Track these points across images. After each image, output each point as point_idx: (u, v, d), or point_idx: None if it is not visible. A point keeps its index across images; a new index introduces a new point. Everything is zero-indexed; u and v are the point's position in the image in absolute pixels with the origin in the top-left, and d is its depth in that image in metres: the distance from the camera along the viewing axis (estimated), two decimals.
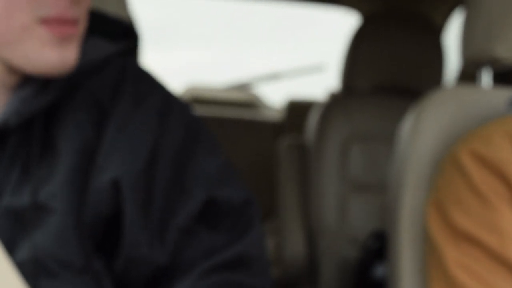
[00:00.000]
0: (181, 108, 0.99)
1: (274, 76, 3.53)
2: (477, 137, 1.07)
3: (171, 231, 0.93)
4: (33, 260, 0.90)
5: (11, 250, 0.90)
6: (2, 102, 0.96)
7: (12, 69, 0.93)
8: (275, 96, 3.42)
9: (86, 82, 0.96)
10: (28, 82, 0.94)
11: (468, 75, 2.27)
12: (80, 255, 0.91)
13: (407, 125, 1.24)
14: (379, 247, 1.95)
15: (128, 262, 0.93)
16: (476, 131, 1.09)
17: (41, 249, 0.90)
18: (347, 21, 2.64)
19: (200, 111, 3.07)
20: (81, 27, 0.94)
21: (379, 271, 1.95)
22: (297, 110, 3.01)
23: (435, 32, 2.25)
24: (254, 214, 0.98)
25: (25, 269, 0.90)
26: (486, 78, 1.29)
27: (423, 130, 1.21)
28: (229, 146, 1.03)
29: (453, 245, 1.04)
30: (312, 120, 2.23)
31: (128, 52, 1.02)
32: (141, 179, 0.93)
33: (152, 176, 0.94)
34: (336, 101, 2.21)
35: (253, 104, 3.34)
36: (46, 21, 0.90)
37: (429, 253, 1.09)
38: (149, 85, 0.99)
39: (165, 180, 0.94)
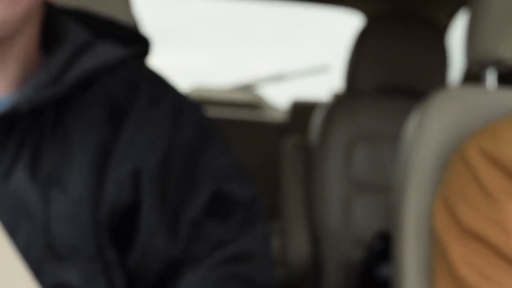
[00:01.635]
0: (192, 108, 1.03)
1: (278, 77, 3.53)
2: (486, 134, 1.07)
3: (183, 223, 0.96)
4: (45, 244, 0.92)
5: (17, 232, 0.92)
6: (10, 89, 0.98)
7: None
8: (279, 97, 3.43)
9: (102, 81, 1.00)
10: (42, 72, 0.97)
11: (472, 75, 2.26)
12: (91, 243, 0.94)
13: (411, 126, 1.24)
14: (383, 248, 1.95)
15: (143, 253, 0.95)
16: (485, 128, 1.09)
17: (54, 234, 0.92)
18: (351, 22, 2.64)
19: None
20: None
21: (383, 272, 1.95)
22: (301, 111, 3.01)
23: (439, 33, 2.25)
24: (261, 210, 1.00)
25: (35, 252, 0.92)
26: (490, 78, 1.29)
27: (427, 131, 1.20)
28: (233, 147, 1.04)
29: (458, 242, 1.04)
30: (316, 121, 2.23)
31: (140, 56, 1.05)
32: (158, 172, 0.96)
33: (166, 170, 0.97)
34: (340, 102, 2.21)
35: (257, 105, 3.35)
36: None
37: (435, 249, 1.08)
38: (163, 87, 1.03)
39: (178, 175, 0.97)
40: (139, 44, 1.05)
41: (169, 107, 1.00)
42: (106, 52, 1.00)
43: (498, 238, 1.00)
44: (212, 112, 3.10)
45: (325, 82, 3.40)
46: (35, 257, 0.91)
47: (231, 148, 1.03)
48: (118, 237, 0.96)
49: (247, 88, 3.49)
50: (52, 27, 1.03)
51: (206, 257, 0.96)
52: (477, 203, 1.03)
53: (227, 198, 0.98)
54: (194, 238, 0.96)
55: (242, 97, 3.41)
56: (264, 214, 1.01)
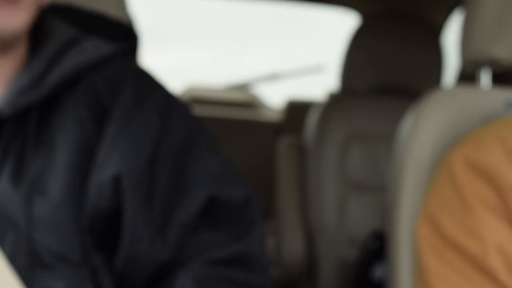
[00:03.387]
0: (182, 108, 1.00)
1: (273, 77, 3.53)
2: (469, 142, 1.07)
3: (173, 227, 0.94)
4: (29, 252, 0.90)
5: (2, 240, 0.91)
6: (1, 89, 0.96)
7: None
8: (274, 97, 3.42)
9: (87, 79, 0.97)
10: (25, 73, 0.95)
11: (467, 75, 2.27)
12: (76, 249, 0.92)
13: (406, 126, 1.24)
14: (378, 247, 1.95)
15: (129, 258, 0.93)
16: (469, 135, 1.09)
17: (37, 241, 0.91)
18: (346, 22, 2.64)
19: (199, 111, 3.06)
20: None
21: (378, 271, 1.95)
22: (296, 110, 3.01)
23: (434, 33, 2.25)
24: (255, 212, 0.98)
25: (21, 260, 0.91)
26: (485, 78, 1.29)
27: (422, 131, 1.21)
28: (228, 147, 1.03)
29: (435, 255, 1.03)
30: (311, 121, 2.23)
31: (127, 52, 1.03)
32: (142, 175, 0.94)
33: (153, 173, 0.94)
34: (335, 102, 2.21)
35: (252, 104, 3.34)
36: None
37: (416, 267, 1.09)
38: (151, 85, 1.00)
39: (167, 178, 0.95)
40: (129, 40, 1.03)
41: (157, 106, 0.97)
42: (92, 49, 0.98)
43: (474, 248, 1.00)
44: (207, 112, 3.12)
45: (320, 81, 3.41)
46: (21, 265, 0.90)
47: (221, 149, 1.00)
48: (104, 241, 0.94)
49: (242, 87, 3.49)
50: (39, 26, 1.01)
51: (199, 260, 0.94)
52: (456, 212, 1.03)
53: (220, 202, 0.96)
54: (186, 242, 0.94)
55: (237, 96, 3.40)
56: (259, 215, 0.99)
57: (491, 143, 1.04)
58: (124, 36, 1.03)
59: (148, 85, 1.00)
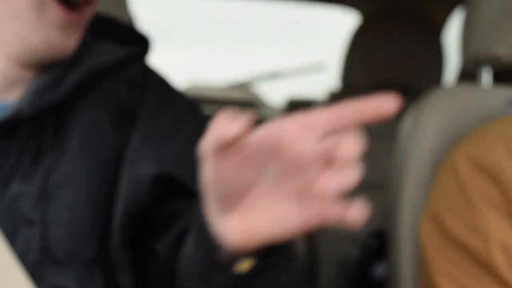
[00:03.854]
0: (200, 110, 1.03)
1: (274, 75, 3.52)
2: (472, 140, 1.07)
3: None
4: (42, 249, 0.91)
5: (15, 237, 0.91)
6: (16, 95, 0.98)
7: (25, 64, 0.96)
8: (275, 95, 3.42)
9: (107, 82, 0.99)
10: (43, 75, 0.96)
11: (468, 74, 2.26)
12: (90, 247, 0.93)
13: (407, 124, 1.24)
14: (379, 246, 1.95)
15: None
16: (471, 133, 1.09)
17: (50, 239, 0.92)
18: (347, 20, 2.64)
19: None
20: (87, 15, 0.96)
21: (379, 270, 1.95)
22: (297, 109, 3.01)
23: (435, 31, 2.25)
24: None
25: (32, 257, 0.91)
26: (486, 77, 1.29)
27: (423, 129, 1.20)
28: None
29: (438, 252, 1.04)
30: None
31: (139, 55, 1.04)
32: (189, 164, 0.94)
33: (194, 161, 0.95)
34: (336, 100, 2.21)
35: (253, 103, 3.34)
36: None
37: (418, 264, 1.09)
38: (171, 89, 1.03)
39: (190, 172, 0.95)
40: (139, 43, 1.04)
41: (183, 105, 1.00)
42: (107, 53, 1.00)
43: (478, 245, 1.00)
44: (208, 110, 3.11)
45: (320, 80, 3.41)
46: (32, 261, 0.91)
47: None
48: (134, 238, 0.94)
49: (243, 86, 3.49)
50: None
51: None
52: (460, 210, 1.03)
53: None
54: None
55: (237, 95, 3.40)
56: None
57: (493, 141, 1.04)
58: (135, 39, 1.04)
59: (169, 89, 1.02)
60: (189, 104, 1.01)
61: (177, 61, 4.23)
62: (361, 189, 2.22)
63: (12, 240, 0.91)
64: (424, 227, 1.07)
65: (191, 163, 0.94)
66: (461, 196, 1.03)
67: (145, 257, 0.96)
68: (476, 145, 1.05)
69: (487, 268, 0.99)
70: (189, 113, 1.00)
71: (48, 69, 0.97)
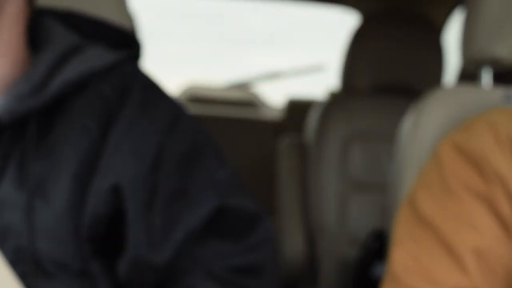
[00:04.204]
0: (188, 119, 0.98)
1: (274, 75, 3.52)
2: (460, 129, 1.07)
3: (177, 233, 0.92)
4: (31, 260, 0.90)
5: (3, 247, 0.90)
6: None
7: None
8: (275, 95, 3.42)
9: (94, 86, 0.96)
10: (24, 80, 0.94)
11: (468, 74, 2.26)
12: (77, 258, 0.91)
13: (407, 125, 1.24)
14: (379, 246, 1.95)
15: (131, 264, 0.92)
16: (461, 124, 1.09)
17: (39, 250, 0.90)
18: (347, 21, 2.64)
19: (199, 110, 3.07)
20: None
21: (379, 270, 1.95)
22: (297, 109, 3.01)
23: (435, 32, 2.25)
24: (267, 228, 0.96)
25: (22, 269, 0.90)
26: (486, 78, 1.29)
27: (423, 130, 1.20)
28: (228, 146, 1.03)
29: (405, 229, 1.03)
30: (312, 120, 2.23)
31: (130, 60, 1.01)
32: (143, 181, 0.92)
33: (155, 179, 0.93)
34: (336, 101, 2.21)
35: (253, 103, 3.34)
36: None
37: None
38: (157, 93, 0.99)
39: (170, 185, 0.93)
40: (131, 47, 1.02)
41: (163, 114, 0.96)
42: (94, 57, 0.97)
43: (445, 226, 0.99)
44: (207, 110, 3.12)
45: (320, 80, 3.41)
46: (22, 273, 0.89)
47: (228, 162, 0.99)
48: (104, 249, 0.93)
49: (243, 86, 3.49)
50: (39, 31, 0.99)
51: (205, 267, 0.92)
52: (437, 193, 1.02)
53: (230, 212, 0.94)
54: (191, 248, 0.92)
55: (238, 95, 3.40)
56: (271, 231, 0.97)
57: (482, 128, 1.04)
58: (126, 42, 1.02)
59: (155, 92, 0.99)
60: (170, 118, 0.96)
61: (177, 61, 4.23)
62: (361, 189, 2.23)
63: (1, 251, 0.89)
64: (401, 211, 1.06)
65: (141, 185, 0.92)
66: (439, 180, 1.03)
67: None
68: (462, 132, 1.05)
69: (451, 252, 0.98)
70: (166, 129, 0.95)
71: (30, 73, 0.94)
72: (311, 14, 3.26)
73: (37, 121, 0.93)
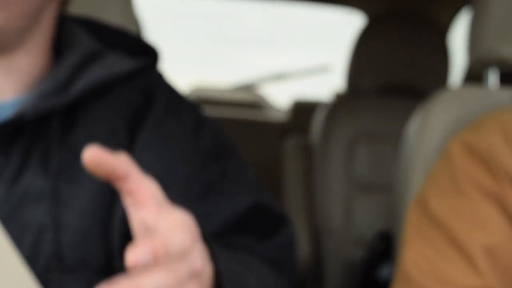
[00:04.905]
0: (212, 123, 1.02)
1: (279, 77, 3.52)
2: (469, 128, 1.07)
3: (215, 222, 0.93)
4: (53, 254, 0.91)
5: (23, 240, 0.90)
6: (11, 93, 0.97)
7: None
8: (280, 97, 3.43)
9: (120, 90, 0.98)
10: (49, 80, 0.96)
11: (474, 75, 2.26)
12: (101, 254, 0.92)
13: (413, 126, 1.24)
14: (385, 247, 1.95)
15: None
16: (471, 123, 1.09)
17: (62, 244, 0.91)
18: (353, 22, 2.64)
19: (205, 111, 3.07)
20: None
21: (385, 272, 1.95)
22: (303, 110, 3.01)
23: (441, 32, 2.24)
24: (291, 230, 0.99)
25: (40, 260, 0.90)
26: (492, 78, 1.29)
27: (429, 131, 1.20)
28: None
29: (416, 230, 1.03)
30: (318, 121, 2.23)
31: (148, 67, 1.04)
32: (177, 173, 0.94)
33: (188, 174, 0.95)
34: (341, 102, 2.21)
35: (258, 104, 3.34)
36: None
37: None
38: (180, 98, 1.02)
39: (202, 179, 0.95)
40: (148, 54, 1.04)
41: (189, 117, 0.99)
42: (116, 63, 0.99)
43: (456, 226, 0.99)
44: (213, 112, 3.12)
45: (326, 81, 3.41)
46: (42, 266, 0.90)
47: (249, 165, 1.01)
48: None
49: (249, 87, 3.49)
50: (62, 34, 1.02)
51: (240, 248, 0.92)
52: (447, 193, 1.02)
53: (262, 211, 0.96)
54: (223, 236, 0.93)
55: (243, 96, 3.40)
56: (294, 232, 0.99)
57: (491, 128, 1.04)
58: (144, 51, 1.04)
59: (178, 98, 1.02)
60: (195, 120, 1.00)
61: (183, 63, 4.23)
62: (367, 191, 2.22)
63: (19, 243, 0.90)
64: (411, 211, 1.06)
65: (176, 174, 0.94)
66: (450, 180, 1.03)
67: None
68: (472, 131, 1.05)
69: (463, 251, 0.98)
70: (192, 130, 0.99)
71: (53, 73, 0.96)
72: (315, 15, 3.26)
73: (60, 119, 0.95)
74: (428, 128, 1.20)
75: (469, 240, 0.98)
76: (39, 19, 0.98)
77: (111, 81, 0.98)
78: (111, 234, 0.93)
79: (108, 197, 0.93)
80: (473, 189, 1.00)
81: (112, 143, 0.95)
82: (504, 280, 0.97)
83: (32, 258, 0.90)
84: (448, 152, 1.05)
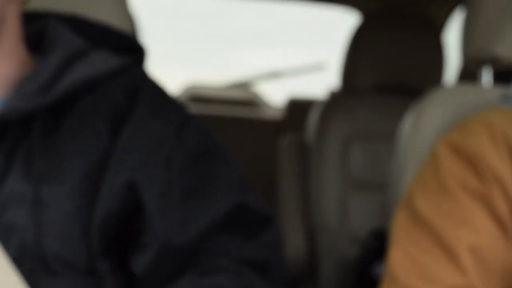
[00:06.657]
0: (197, 123, 1.00)
1: (274, 75, 3.52)
2: (456, 129, 1.07)
3: (196, 225, 0.93)
4: (37, 257, 0.90)
5: (8, 243, 0.90)
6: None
7: None
8: (275, 95, 3.42)
9: (104, 89, 0.97)
10: (32, 80, 0.95)
11: (468, 74, 2.27)
12: (84, 256, 0.92)
13: (407, 124, 1.25)
14: (379, 245, 1.95)
15: (155, 252, 0.93)
16: (458, 124, 1.09)
17: (45, 247, 0.90)
18: (348, 20, 2.64)
19: (200, 109, 3.07)
20: None
21: (379, 270, 1.95)
22: (298, 108, 3.01)
23: (435, 31, 2.25)
24: (277, 229, 0.99)
25: (26, 266, 0.90)
26: (486, 77, 1.29)
27: (423, 129, 1.21)
28: (229, 145, 1.03)
29: (403, 228, 1.03)
30: (313, 119, 2.23)
31: (134, 65, 1.03)
32: (158, 176, 0.94)
33: (169, 176, 0.94)
34: (336, 100, 2.21)
35: (253, 102, 3.34)
36: None
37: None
38: (165, 96, 1.01)
39: (183, 183, 0.95)
40: (134, 52, 1.03)
41: (173, 116, 0.98)
42: (100, 62, 0.98)
43: (442, 225, 0.99)
44: (208, 110, 3.12)
45: (321, 79, 3.41)
46: (27, 270, 0.89)
47: (236, 163, 1.00)
48: (115, 246, 0.93)
49: (244, 85, 3.49)
50: (45, 33, 1.01)
51: (223, 256, 0.93)
52: (433, 193, 1.03)
53: (248, 210, 0.96)
54: (207, 240, 0.93)
55: (238, 94, 3.40)
56: (280, 231, 0.99)
57: (478, 128, 1.04)
58: (129, 48, 1.03)
59: (163, 96, 1.01)
60: (180, 120, 0.99)
61: (178, 60, 4.23)
62: (362, 188, 2.23)
63: (5, 246, 0.89)
64: (399, 213, 1.06)
65: (157, 179, 0.93)
66: (436, 180, 1.03)
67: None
68: (459, 132, 1.06)
69: (448, 251, 0.98)
70: (177, 130, 0.97)
71: (36, 73, 0.95)
72: (310, 13, 3.26)
73: (44, 120, 0.94)
74: (422, 126, 1.21)
75: (454, 240, 0.98)
76: (2, 21, 0.96)
77: (95, 79, 0.97)
78: (91, 235, 0.92)
79: (89, 197, 0.92)
80: (459, 189, 1.00)
81: (94, 141, 0.94)
82: (488, 280, 0.98)
83: (18, 261, 0.89)
84: (435, 153, 1.06)
